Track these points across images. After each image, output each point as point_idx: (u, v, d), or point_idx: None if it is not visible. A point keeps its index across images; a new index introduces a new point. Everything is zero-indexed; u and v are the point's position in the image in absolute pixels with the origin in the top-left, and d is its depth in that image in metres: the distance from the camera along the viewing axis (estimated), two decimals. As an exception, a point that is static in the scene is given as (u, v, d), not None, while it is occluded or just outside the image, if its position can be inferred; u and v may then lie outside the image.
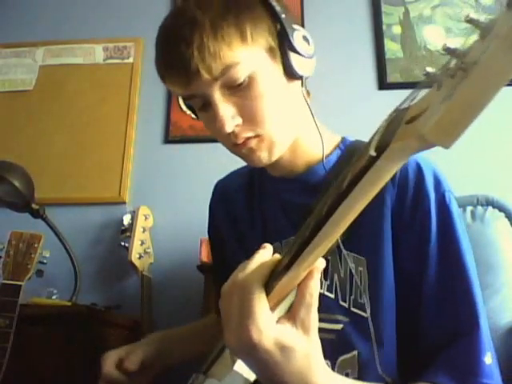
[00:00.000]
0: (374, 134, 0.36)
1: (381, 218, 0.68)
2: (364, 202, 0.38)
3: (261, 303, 0.44)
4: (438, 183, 0.69)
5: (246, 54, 0.65)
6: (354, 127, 0.97)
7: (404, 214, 0.68)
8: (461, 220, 0.69)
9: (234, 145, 0.69)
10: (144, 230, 1.40)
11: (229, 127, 0.65)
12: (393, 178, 0.69)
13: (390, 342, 0.66)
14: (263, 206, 0.83)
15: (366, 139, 0.39)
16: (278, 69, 0.68)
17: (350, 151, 0.76)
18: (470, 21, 0.25)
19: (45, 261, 1.21)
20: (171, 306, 1.44)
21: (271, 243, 0.51)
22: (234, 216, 0.87)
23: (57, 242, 1.40)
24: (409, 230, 0.67)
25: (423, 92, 0.32)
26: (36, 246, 1.18)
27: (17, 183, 1.30)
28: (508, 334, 0.96)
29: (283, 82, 0.69)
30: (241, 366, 0.52)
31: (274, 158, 0.71)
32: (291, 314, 0.45)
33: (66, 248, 1.42)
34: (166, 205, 1.58)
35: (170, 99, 1.71)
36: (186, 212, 1.55)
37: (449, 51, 0.27)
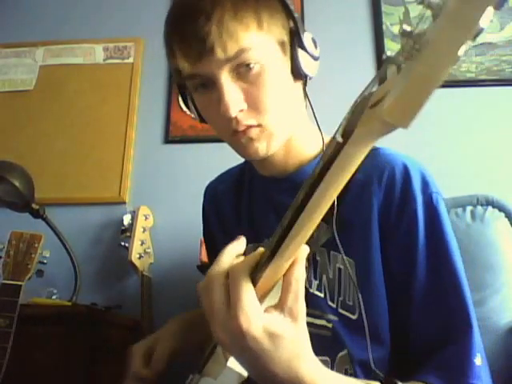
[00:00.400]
0: (341, 121, 0.37)
1: (369, 221, 0.68)
2: (337, 188, 0.38)
3: (248, 292, 0.43)
4: (425, 185, 0.69)
5: (260, 41, 0.65)
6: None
7: (391, 215, 0.68)
8: (448, 221, 0.68)
9: (234, 132, 0.68)
10: (144, 230, 1.40)
11: (234, 111, 0.64)
12: (380, 180, 0.69)
13: (382, 342, 0.67)
14: (252, 206, 0.82)
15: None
16: (286, 64, 0.69)
17: None
18: (422, 2, 0.26)
19: (45, 261, 1.21)
20: (171, 306, 1.43)
21: (260, 242, 0.51)
22: (223, 217, 0.87)
23: (57, 242, 1.40)
24: (396, 231, 0.67)
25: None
26: (36, 245, 1.18)
27: (17, 183, 1.30)
28: (508, 333, 0.96)
29: (289, 78, 0.70)
30: (234, 362, 0.52)
31: (271, 151, 0.71)
32: (279, 303, 0.45)
33: (66, 248, 1.42)
34: (166, 205, 1.57)
35: (170, 99, 1.71)
36: (186, 212, 1.54)
37: (405, 34, 0.27)
